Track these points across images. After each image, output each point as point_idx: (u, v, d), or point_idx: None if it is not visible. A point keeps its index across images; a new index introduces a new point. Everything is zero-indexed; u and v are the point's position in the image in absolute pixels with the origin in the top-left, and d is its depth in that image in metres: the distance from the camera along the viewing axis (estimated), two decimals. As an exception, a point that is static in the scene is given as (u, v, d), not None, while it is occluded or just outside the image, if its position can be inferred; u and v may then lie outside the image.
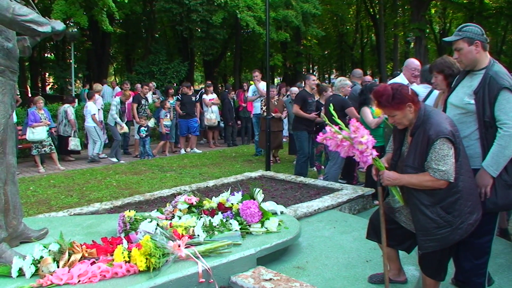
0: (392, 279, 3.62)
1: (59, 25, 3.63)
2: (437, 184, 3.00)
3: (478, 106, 3.30)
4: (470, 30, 3.37)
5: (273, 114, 10.28)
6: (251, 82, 11.52)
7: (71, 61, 17.26)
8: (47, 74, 30.97)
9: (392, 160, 3.38)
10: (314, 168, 9.41)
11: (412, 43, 27.01)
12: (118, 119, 11.73)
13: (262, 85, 11.26)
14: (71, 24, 15.95)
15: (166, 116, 12.46)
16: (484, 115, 3.28)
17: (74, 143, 11.55)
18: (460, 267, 3.61)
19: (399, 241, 3.48)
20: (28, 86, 27.74)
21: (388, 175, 3.18)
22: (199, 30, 21.24)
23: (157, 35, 28.02)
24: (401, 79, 5.57)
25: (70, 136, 11.56)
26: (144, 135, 11.98)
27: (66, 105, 11.83)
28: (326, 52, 38.18)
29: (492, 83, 3.26)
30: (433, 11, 30.53)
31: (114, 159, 11.58)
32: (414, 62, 5.79)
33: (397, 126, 3.25)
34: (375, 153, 3.15)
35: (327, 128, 3.24)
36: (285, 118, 11.47)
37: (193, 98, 13.30)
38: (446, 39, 3.60)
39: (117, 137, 11.78)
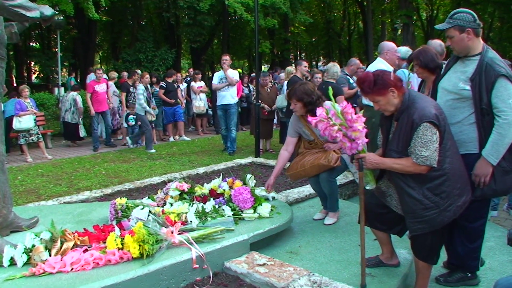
0: (385, 262, 3.66)
1: (48, 10, 3.57)
2: (419, 169, 3.03)
3: (475, 93, 3.28)
4: (461, 18, 3.34)
5: (264, 106, 10.11)
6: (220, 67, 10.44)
7: (56, 49, 17.02)
8: (33, 63, 30.58)
9: (382, 148, 3.39)
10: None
11: (400, 30, 26.99)
12: (148, 108, 11.18)
13: (232, 73, 10.28)
14: (57, 12, 15.71)
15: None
16: (481, 103, 3.27)
17: (83, 130, 12.25)
18: (455, 251, 3.65)
19: (390, 225, 3.50)
20: (13, 75, 27.38)
21: (370, 158, 3.18)
22: (186, 17, 21.04)
23: (143, 23, 27.72)
24: (380, 63, 5.36)
25: (78, 124, 12.11)
26: (133, 124, 11.90)
27: (74, 93, 12.17)
28: (313, 39, 38.06)
29: (489, 70, 3.24)
30: (420, -3, 30.53)
31: (153, 150, 11.12)
32: (393, 44, 5.65)
33: (383, 112, 3.25)
34: (365, 139, 3.16)
35: (321, 110, 3.21)
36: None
37: (175, 86, 13.20)
38: (437, 26, 3.58)
39: (147, 126, 11.21)
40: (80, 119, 12.12)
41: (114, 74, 14.31)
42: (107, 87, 12.26)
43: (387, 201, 3.43)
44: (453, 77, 3.47)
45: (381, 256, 3.70)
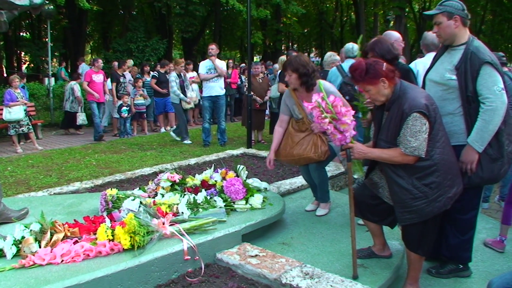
0: (377, 254, 3.66)
1: (37, -1, 3.51)
2: (406, 159, 3.03)
3: (460, 81, 3.30)
4: (450, 5, 3.37)
5: (256, 99, 10.05)
6: (208, 57, 10.09)
7: (47, 39, 16.84)
8: (23, 53, 30.26)
9: (373, 139, 3.39)
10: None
11: (392, 22, 27.01)
12: (182, 95, 10.54)
13: (220, 63, 10.14)
14: (47, 1, 15.54)
15: (136, 94, 12.36)
16: (466, 90, 3.28)
17: (82, 118, 12.22)
18: (447, 243, 3.66)
19: (382, 217, 3.50)
20: (3, 66, 27.11)
21: (359, 148, 3.18)
22: (177, 7, 20.91)
23: (134, 12, 27.54)
24: None
25: (77, 112, 12.22)
26: (126, 115, 11.82)
27: (73, 82, 12.31)
28: (305, 30, 38.00)
29: (474, 58, 3.26)
30: (413, -11, 30.57)
31: (188, 141, 10.78)
32: (397, 34, 5.61)
33: (374, 102, 3.25)
34: (353, 132, 3.16)
35: (316, 97, 3.17)
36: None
37: (168, 76, 13.08)
38: (426, 12, 3.60)
39: (182, 117, 10.88)
40: (81, 107, 12.24)
41: (131, 63, 14.36)
42: (105, 78, 12.08)
43: (379, 192, 3.43)
44: (440, 68, 3.49)
45: (373, 247, 3.70)
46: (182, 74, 10.86)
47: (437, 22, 3.42)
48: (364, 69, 3.09)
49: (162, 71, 12.97)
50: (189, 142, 10.74)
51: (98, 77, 11.72)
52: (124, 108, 11.75)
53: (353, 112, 3.15)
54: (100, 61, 12.26)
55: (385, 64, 3.15)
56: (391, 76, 3.11)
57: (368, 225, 3.68)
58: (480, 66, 3.24)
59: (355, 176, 3.46)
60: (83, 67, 16.68)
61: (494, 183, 3.90)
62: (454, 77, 3.34)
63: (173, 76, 10.58)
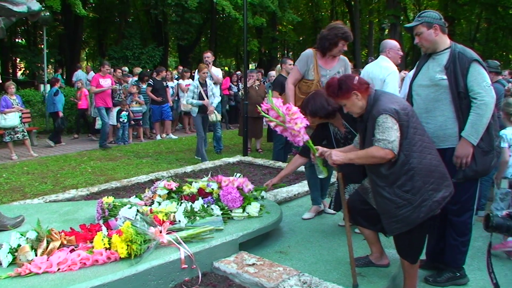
0: (375, 263, 3.65)
1: (35, 5, 3.51)
2: (383, 153, 3.04)
3: (450, 79, 3.45)
4: (428, 15, 3.59)
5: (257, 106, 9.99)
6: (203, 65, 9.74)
7: (43, 46, 16.84)
8: (18, 59, 30.23)
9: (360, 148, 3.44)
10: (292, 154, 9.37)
11: (387, 30, 27.12)
12: (194, 101, 9.13)
13: (216, 71, 10.10)
14: (43, 7, 15.54)
15: (132, 102, 12.34)
16: (458, 87, 3.43)
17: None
18: (445, 246, 3.71)
19: (373, 222, 3.49)
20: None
21: (336, 153, 3.28)
22: (173, 14, 20.96)
23: (130, 20, 27.56)
24: (385, 61, 5.30)
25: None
26: (125, 121, 11.78)
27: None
28: (301, 38, 38.09)
29: (462, 57, 3.46)
30: (408, -3, 30.69)
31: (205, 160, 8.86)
32: (395, 43, 5.64)
33: (352, 114, 3.34)
34: (306, 137, 3.48)
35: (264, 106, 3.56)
36: None
37: (164, 84, 13.16)
38: (407, 25, 3.79)
39: (200, 132, 9.33)
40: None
41: (138, 70, 14.51)
42: (112, 83, 11.79)
43: (368, 198, 3.45)
44: (428, 72, 3.63)
45: (371, 256, 3.70)
46: (208, 82, 9.35)
47: (418, 33, 3.62)
48: (336, 85, 3.23)
49: (159, 78, 12.96)
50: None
51: (106, 82, 11.50)
52: (124, 113, 11.72)
53: (302, 117, 3.52)
54: (108, 65, 12.05)
55: (356, 77, 3.27)
56: (364, 88, 3.22)
57: (364, 232, 3.68)
58: (469, 64, 3.42)
59: (320, 176, 3.83)
60: (79, 74, 16.66)
61: (486, 175, 4.01)
62: (445, 76, 3.48)
63: (193, 86, 9.34)
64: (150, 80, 12.92)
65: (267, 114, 3.61)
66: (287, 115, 3.48)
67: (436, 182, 3.14)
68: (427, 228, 3.33)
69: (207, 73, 9.39)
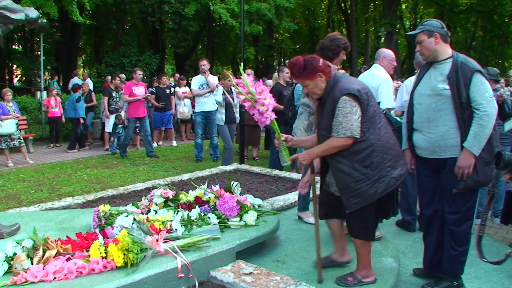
0: (336, 260, 3.75)
1: (33, 13, 3.51)
2: (343, 141, 3.16)
3: (453, 89, 3.43)
4: (430, 24, 3.59)
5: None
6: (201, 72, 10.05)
7: (39, 53, 16.84)
8: (15, 66, 30.21)
9: (316, 130, 3.59)
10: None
11: (383, 38, 27.22)
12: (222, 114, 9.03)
13: (212, 79, 10.10)
14: (40, 14, 15.55)
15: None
16: (460, 97, 3.42)
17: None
18: (444, 255, 3.70)
19: (337, 211, 3.54)
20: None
21: (301, 156, 3.40)
22: (171, 22, 21.00)
23: (127, 27, 27.61)
24: (378, 69, 5.29)
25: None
26: (120, 132, 11.76)
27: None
28: (297, 46, 38.20)
29: (464, 67, 3.44)
30: (404, 6, 30.81)
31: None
32: (390, 52, 5.64)
33: (312, 95, 3.45)
34: (273, 116, 3.50)
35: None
36: None
37: (167, 91, 13.16)
38: (408, 33, 3.87)
39: (228, 142, 9.15)
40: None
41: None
42: (146, 91, 11.17)
43: (331, 190, 3.55)
44: (430, 81, 3.61)
45: (333, 254, 3.78)
46: (233, 90, 8.51)
47: (419, 41, 3.61)
48: (302, 65, 3.27)
49: (163, 86, 13.06)
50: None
51: (139, 90, 10.83)
52: (120, 126, 11.72)
53: (270, 95, 3.56)
54: (140, 72, 11.24)
55: (321, 60, 3.34)
56: (328, 70, 3.31)
57: (331, 227, 3.75)
58: (472, 74, 3.41)
59: (284, 165, 4.09)
60: (75, 81, 16.65)
61: (486, 185, 4.04)
62: (447, 86, 3.46)
63: (220, 95, 9.08)
64: (153, 88, 12.99)
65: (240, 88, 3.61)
66: (257, 93, 3.52)
67: (394, 160, 3.26)
68: (383, 210, 3.43)
69: (230, 80, 8.37)
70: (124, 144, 11.05)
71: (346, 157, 3.20)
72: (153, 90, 12.77)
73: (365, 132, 3.18)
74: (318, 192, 3.74)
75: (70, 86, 16.94)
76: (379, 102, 4.38)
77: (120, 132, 11.71)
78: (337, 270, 3.67)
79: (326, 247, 4.22)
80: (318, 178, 3.76)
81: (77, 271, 3.04)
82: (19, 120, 10.68)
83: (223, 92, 9.12)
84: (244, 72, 3.84)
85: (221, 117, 9.08)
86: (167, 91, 13.13)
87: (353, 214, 3.30)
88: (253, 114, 3.58)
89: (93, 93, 13.60)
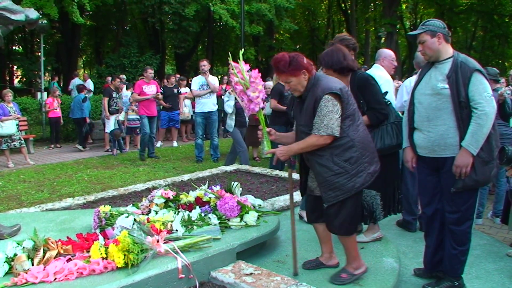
0: (325, 264, 3.77)
1: (33, 14, 3.51)
2: (322, 140, 3.23)
3: (452, 89, 3.44)
4: (432, 24, 3.60)
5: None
6: (201, 73, 10.01)
7: (40, 53, 16.85)
8: (15, 67, 30.21)
9: (295, 127, 3.65)
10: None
11: (383, 39, 27.21)
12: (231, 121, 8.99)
13: (212, 79, 10.10)
14: (41, 15, 15.55)
15: (129, 110, 12.37)
16: (459, 96, 3.42)
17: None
18: (445, 255, 3.70)
19: (320, 212, 3.56)
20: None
21: (279, 151, 3.41)
22: (171, 23, 21.02)
23: (127, 28, 27.61)
24: (378, 69, 5.29)
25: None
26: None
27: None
28: (297, 46, 38.20)
29: (464, 67, 3.45)
30: (404, 6, 30.82)
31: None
32: (391, 52, 5.63)
33: (293, 92, 3.47)
34: (262, 105, 3.55)
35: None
36: None
37: (175, 91, 13.18)
38: (410, 33, 3.84)
39: (242, 144, 9.14)
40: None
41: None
42: (157, 90, 11.07)
43: (314, 192, 3.60)
44: (431, 81, 3.62)
45: (321, 257, 3.80)
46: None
47: (421, 41, 3.61)
48: (288, 61, 3.30)
49: (170, 85, 13.11)
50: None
51: (150, 89, 10.72)
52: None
53: (263, 83, 3.62)
54: (150, 70, 11.11)
55: (305, 57, 3.39)
56: (311, 68, 3.36)
57: (318, 231, 3.77)
58: (471, 74, 3.41)
59: (264, 156, 3.85)
60: (76, 82, 16.67)
61: (486, 184, 4.04)
62: (447, 85, 3.47)
63: (232, 101, 9.12)
64: (161, 87, 12.96)
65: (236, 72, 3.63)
66: (250, 79, 3.54)
67: (371, 156, 3.37)
68: (359, 202, 3.54)
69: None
70: (144, 142, 10.76)
71: (327, 151, 3.27)
72: (160, 90, 12.76)
73: (345, 129, 3.26)
74: (300, 199, 3.77)
75: (70, 87, 17.00)
76: None
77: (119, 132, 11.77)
78: (333, 269, 3.69)
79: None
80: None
81: (77, 272, 3.04)
82: (19, 121, 10.70)
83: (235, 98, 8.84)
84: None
85: (230, 123, 9.03)
86: (175, 90, 13.14)
87: (331, 209, 3.37)
88: (242, 99, 3.61)
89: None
